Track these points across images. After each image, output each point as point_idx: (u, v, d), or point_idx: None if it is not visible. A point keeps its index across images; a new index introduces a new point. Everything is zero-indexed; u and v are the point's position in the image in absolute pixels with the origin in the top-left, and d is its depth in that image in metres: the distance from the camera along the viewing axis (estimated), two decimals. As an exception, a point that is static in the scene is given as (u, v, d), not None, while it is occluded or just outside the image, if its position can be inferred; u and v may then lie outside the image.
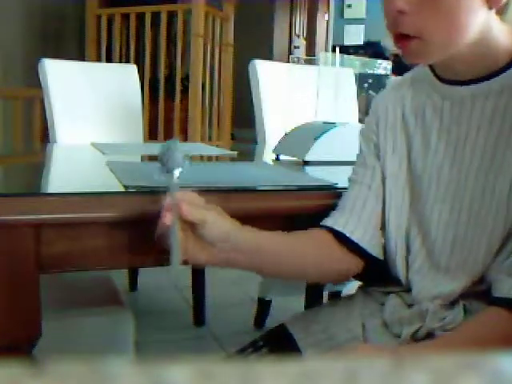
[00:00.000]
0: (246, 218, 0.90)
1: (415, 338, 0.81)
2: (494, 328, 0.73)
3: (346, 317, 0.92)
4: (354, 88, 2.15)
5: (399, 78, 0.93)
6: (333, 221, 0.90)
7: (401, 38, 0.74)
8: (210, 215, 0.76)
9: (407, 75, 0.92)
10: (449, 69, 0.80)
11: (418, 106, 0.86)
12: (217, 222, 0.77)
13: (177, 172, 0.78)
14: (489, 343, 0.71)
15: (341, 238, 0.88)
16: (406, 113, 0.87)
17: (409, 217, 0.86)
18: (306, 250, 0.89)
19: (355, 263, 0.90)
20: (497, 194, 0.75)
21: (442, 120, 0.82)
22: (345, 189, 0.95)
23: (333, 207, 0.94)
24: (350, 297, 0.99)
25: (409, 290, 0.86)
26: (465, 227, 0.79)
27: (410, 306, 0.85)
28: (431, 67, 0.84)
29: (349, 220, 0.89)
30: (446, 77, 0.81)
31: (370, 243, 0.89)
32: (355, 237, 0.88)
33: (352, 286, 1.28)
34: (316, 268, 0.91)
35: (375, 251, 0.89)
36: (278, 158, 1.48)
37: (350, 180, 0.93)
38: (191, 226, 0.76)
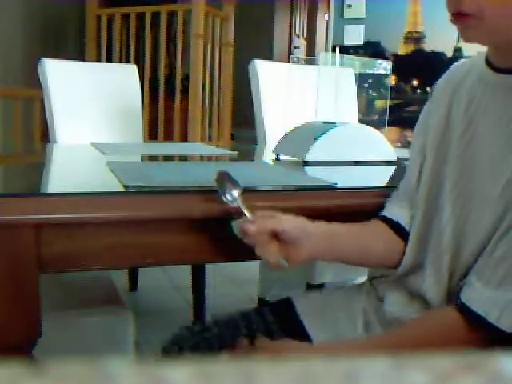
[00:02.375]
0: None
1: None
2: (444, 331, 0.74)
3: (347, 302, 0.95)
4: (354, 88, 2.15)
5: (462, 60, 0.91)
6: (388, 211, 0.93)
7: (460, 16, 0.72)
8: (282, 220, 0.82)
9: (469, 58, 0.90)
10: (501, 56, 0.77)
11: (461, 89, 0.84)
12: (289, 220, 0.83)
13: (237, 194, 0.86)
14: (433, 345, 0.73)
15: (395, 226, 0.91)
16: (452, 96, 0.86)
17: (426, 199, 0.86)
18: (369, 238, 0.92)
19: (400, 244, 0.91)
20: (488, 196, 0.75)
21: (470, 105, 0.80)
22: (344, 189, 0.95)
23: (333, 207, 0.94)
24: (356, 286, 1.00)
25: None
26: (463, 221, 0.79)
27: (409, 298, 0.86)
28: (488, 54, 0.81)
29: (398, 206, 0.92)
30: (498, 64, 0.78)
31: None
32: (404, 222, 0.91)
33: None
34: (378, 254, 0.93)
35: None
36: (278, 158, 1.48)
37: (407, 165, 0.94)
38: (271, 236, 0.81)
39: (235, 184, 0.88)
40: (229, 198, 0.86)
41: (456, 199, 0.80)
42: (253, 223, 0.80)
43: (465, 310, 0.71)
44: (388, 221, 0.91)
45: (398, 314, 0.85)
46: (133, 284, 2.47)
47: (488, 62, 0.79)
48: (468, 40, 0.75)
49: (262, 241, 0.81)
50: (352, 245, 0.91)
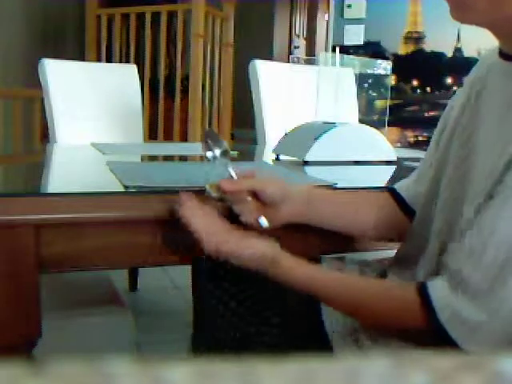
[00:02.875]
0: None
1: None
2: (397, 304, 0.73)
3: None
4: (354, 88, 2.15)
5: (487, 51, 0.90)
6: (398, 184, 0.94)
7: None
8: (264, 181, 0.87)
9: (489, 50, 0.90)
10: (509, 43, 0.75)
11: (477, 80, 0.83)
12: (270, 182, 0.87)
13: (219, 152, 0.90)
14: (379, 310, 0.73)
15: (398, 198, 0.93)
16: (470, 86, 0.84)
17: (430, 184, 0.86)
18: (360, 206, 0.94)
19: (404, 222, 0.92)
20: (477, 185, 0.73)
21: (480, 95, 0.79)
22: (344, 189, 0.95)
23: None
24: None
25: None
26: (454, 210, 0.77)
27: None
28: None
29: (410, 182, 0.93)
30: (507, 52, 0.76)
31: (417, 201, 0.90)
32: (401, 190, 0.92)
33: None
34: (367, 223, 0.94)
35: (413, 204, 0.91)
36: (278, 158, 1.48)
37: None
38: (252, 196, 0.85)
39: (221, 144, 0.90)
40: (212, 156, 0.88)
41: (452, 186, 0.79)
42: (233, 181, 0.83)
43: (424, 295, 0.69)
44: (394, 193, 0.93)
45: None
46: (133, 284, 2.47)
47: (500, 52, 0.77)
48: (458, 19, 0.73)
49: (241, 199, 0.84)
50: (334, 210, 0.92)
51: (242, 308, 0.91)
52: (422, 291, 0.69)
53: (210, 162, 0.89)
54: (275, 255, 0.78)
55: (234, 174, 0.86)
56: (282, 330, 0.89)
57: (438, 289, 0.68)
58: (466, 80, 0.86)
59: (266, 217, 0.85)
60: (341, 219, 0.94)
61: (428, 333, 0.69)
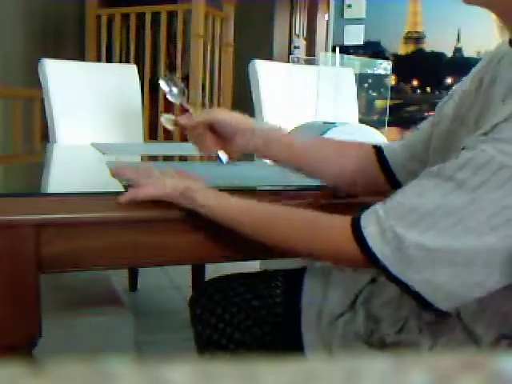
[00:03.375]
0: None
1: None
2: (326, 230, 0.74)
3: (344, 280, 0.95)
4: (354, 88, 2.15)
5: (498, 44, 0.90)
6: (386, 144, 0.96)
7: None
8: (216, 110, 0.93)
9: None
10: None
11: (484, 68, 0.83)
12: (225, 112, 0.92)
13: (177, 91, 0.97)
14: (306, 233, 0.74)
15: (379, 153, 0.94)
16: (478, 75, 0.84)
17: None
18: (327, 149, 0.97)
19: (383, 183, 0.94)
20: None
21: (490, 84, 0.78)
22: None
23: (333, 207, 0.93)
24: None
25: None
26: None
27: None
28: None
29: (396, 144, 0.94)
30: None
31: (399, 167, 0.92)
32: (388, 154, 0.93)
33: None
34: (337, 169, 0.96)
35: (401, 177, 0.92)
36: (278, 158, 1.48)
37: None
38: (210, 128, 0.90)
39: (179, 83, 0.96)
40: (172, 95, 0.94)
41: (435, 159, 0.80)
42: (189, 116, 0.88)
43: (356, 224, 0.69)
44: (379, 151, 0.94)
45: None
46: (133, 284, 2.47)
47: (510, 42, 0.76)
48: (466, 1, 0.73)
49: (198, 134, 0.88)
50: (289, 155, 0.96)
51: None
52: (355, 222, 0.70)
53: (171, 98, 0.96)
54: (187, 188, 0.81)
55: (190, 108, 0.91)
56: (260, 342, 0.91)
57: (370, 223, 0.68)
58: (476, 70, 0.85)
59: (224, 151, 0.90)
60: (296, 164, 0.97)
61: (360, 262, 0.69)
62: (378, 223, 0.67)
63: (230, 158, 0.90)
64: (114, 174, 0.93)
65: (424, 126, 0.92)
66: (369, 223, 0.68)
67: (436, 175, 0.66)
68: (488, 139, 0.63)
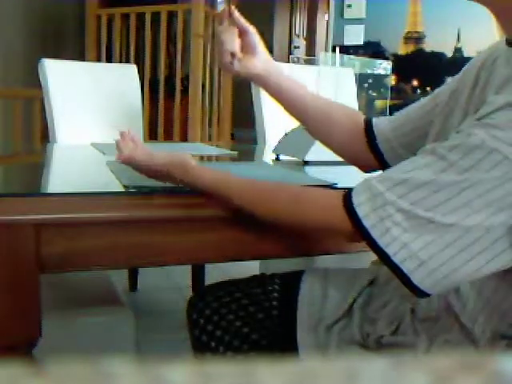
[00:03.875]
0: (246, 219, 0.90)
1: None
2: (318, 201, 0.75)
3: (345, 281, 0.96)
4: (354, 88, 2.15)
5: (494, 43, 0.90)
6: (376, 119, 0.98)
7: None
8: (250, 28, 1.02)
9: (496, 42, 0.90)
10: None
11: (482, 64, 0.82)
12: (255, 32, 1.03)
13: None
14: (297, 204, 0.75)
15: (368, 127, 0.97)
16: (475, 71, 0.83)
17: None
18: (334, 115, 1.02)
19: (371, 159, 0.97)
20: None
21: (486, 81, 0.79)
22: (344, 189, 0.95)
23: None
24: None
25: None
26: None
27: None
28: None
29: (385, 119, 0.97)
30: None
31: (384, 141, 0.95)
32: (376, 128, 0.96)
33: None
34: (338, 136, 1.02)
35: (387, 155, 0.95)
36: (278, 158, 1.48)
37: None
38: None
39: None
40: None
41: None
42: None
43: (347, 195, 0.70)
44: (368, 124, 0.98)
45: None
46: (133, 284, 2.47)
47: (506, 40, 0.76)
48: None
49: (230, 29, 0.99)
50: (308, 109, 1.03)
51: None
52: (346, 193, 0.71)
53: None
54: (183, 161, 0.86)
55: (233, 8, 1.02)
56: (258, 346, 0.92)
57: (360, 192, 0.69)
58: (472, 66, 0.85)
59: (242, 59, 0.99)
60: (292, 109, 1.04)
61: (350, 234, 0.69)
62: (370, 190, 0.67)
63: (242, 66, 0.99)
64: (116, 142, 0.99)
65: (416, 109, 0.93)
66: (360, 193, 0.68)
67: (430, 153, 0.66)
68: (481, 124, 0.64)
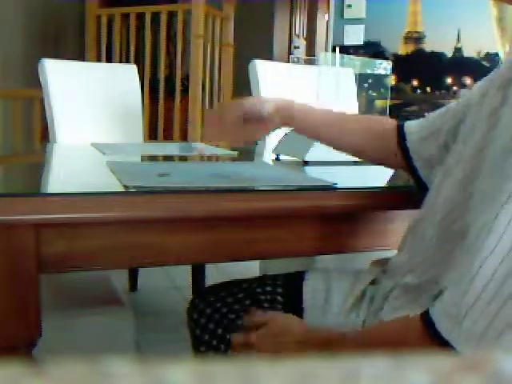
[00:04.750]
0: (246, 218, 0.90)
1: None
2: (405, 334, 0.71)
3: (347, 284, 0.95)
4: (354, 88, 2.15)
5: None
6: (408, 123, 1.00)
7: None
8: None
9: None
10: None
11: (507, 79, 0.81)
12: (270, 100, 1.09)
13: None
14: (393, 345, 0.71)
15: (400, 132, 0.98)
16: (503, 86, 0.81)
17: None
18: (353, 127, 1.05)
19: (399, 161, 0.99)
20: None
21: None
22: (344, 189, 0.95)
23: (333, 207, 0.94)
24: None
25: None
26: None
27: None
28: None
29: (416, 124, 0.98)
30: None
31: (417, 150, 0.95)
32: (407, 133, 0.97)
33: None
34: (362, 147, 1.04)
35: (416, 157, 0.96)
36: (278, 158, 1.48)
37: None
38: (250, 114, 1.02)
39: None
40: None
41: (465, 163, 0.78)
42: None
43: (426, 321, 0.67)
44: (400, 130, 0.99)
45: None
46: (133, 284, 2.47)
47: None
48: None
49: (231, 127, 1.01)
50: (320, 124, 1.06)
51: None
52: (424, 318, 0.68)
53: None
54: (336, 339, 0.77)
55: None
56: None
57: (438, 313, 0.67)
58: (495, 80, 0.82)
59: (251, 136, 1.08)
60: (325, 133, 1.07)
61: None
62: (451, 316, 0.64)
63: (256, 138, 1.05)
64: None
65: (448, 111, 0.93)
66: (440, 318, 0.65)
67: None
68: None
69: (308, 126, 1.06)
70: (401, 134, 0.98)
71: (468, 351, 0.62)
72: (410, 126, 0.99)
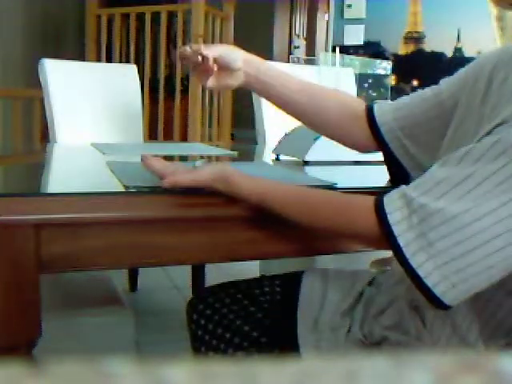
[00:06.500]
0: (246, 218, 0.90)
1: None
2: (350, 208, 0.74)
3: (346, 285, 0.95)
4: (354, 88, 2.15)
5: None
6: (378, 105, 0.98)
7: None
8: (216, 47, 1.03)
9: None
10: None
11: (496, 64, 0.81)
12: (236, 50, 1.02)
13: None
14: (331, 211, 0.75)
15: (369, 113, 0.97)
16: (489, 70, 0.82)
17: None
18: (328, 105, 1.01)
19: (371, 143, 0.97)
20: None
21: (502, 81, 0.78)
22: (344, 189, 0.95)
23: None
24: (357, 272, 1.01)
25: None
26: None
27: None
28: None
29: (387, 107, 0.96)
30: None
31: (388, 131, 0.94)
32: (377, 114, 0.95)
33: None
34: (334, 125, 1.02)
35: (388, 138, 0.95)
36: (278, 158, 1.48)
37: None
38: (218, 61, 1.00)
39: None
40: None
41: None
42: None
43: (379, 203, 0.69)
44: (369, 111, 0.97)
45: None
46: (133, 284, 2.47)
47: None
48: None
49: (195, 62, 1.00)
50: (297, 101, 1.03)
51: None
52: (378, 201, 0.70)
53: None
54: (224, 174, 0.83)
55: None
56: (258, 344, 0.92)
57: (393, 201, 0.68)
58: (480, 67, 0.83)
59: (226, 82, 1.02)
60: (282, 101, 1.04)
61: (377, 241, 0.69)
62: (402, 198, 0.67)
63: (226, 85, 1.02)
64: (144, 165, 0.95)
65: (418, 103, 0.93)
66: (392, 201, 0.68)
67: (462, 158, 0.65)
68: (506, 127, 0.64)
69: (280, 90, 1.03)
70: (370, 114, 0.98)
71: (409, 250, 0.64)
72: (381, 106, 0.99)
